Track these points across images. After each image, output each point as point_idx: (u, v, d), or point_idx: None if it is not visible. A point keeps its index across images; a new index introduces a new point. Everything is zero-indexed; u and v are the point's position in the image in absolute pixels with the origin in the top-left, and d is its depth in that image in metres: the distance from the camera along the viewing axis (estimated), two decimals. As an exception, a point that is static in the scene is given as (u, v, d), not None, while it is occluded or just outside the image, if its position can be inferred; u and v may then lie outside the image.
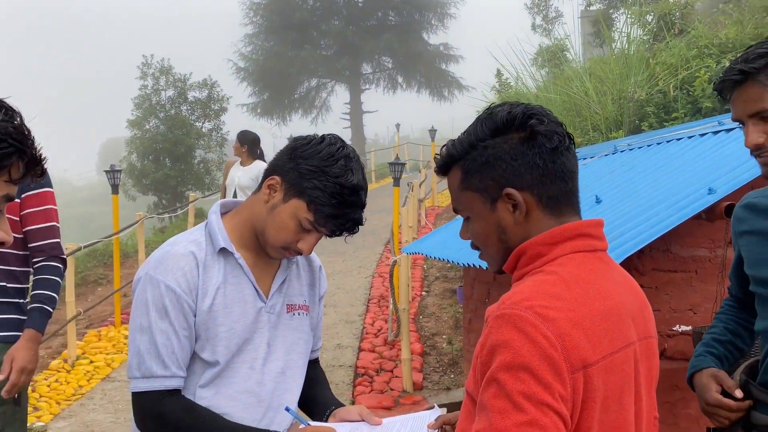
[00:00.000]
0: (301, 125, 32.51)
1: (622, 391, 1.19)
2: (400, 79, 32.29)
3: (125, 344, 7.77)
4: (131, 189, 17.30)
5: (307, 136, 1.71)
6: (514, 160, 1.20)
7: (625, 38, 10.62)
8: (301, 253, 1.70)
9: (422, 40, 31.56)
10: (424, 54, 31.24)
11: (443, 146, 1.32)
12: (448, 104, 31.73)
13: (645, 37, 8.77)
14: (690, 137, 4.00)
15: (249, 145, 6.94)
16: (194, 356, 1.69)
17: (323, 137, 1.68)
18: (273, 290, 1.76)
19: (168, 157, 16.95)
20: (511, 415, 1.05)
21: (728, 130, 3.69)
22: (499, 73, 15.39)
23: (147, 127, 17.26)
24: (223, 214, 1.79)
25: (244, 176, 6.84)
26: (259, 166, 6.73)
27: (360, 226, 1.69)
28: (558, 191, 1.22)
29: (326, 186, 1.58)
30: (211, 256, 1.68)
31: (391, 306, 6.98)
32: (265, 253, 1.73)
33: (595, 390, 1.12)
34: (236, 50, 30.67)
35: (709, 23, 8.00)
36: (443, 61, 31.94)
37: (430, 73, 31.52)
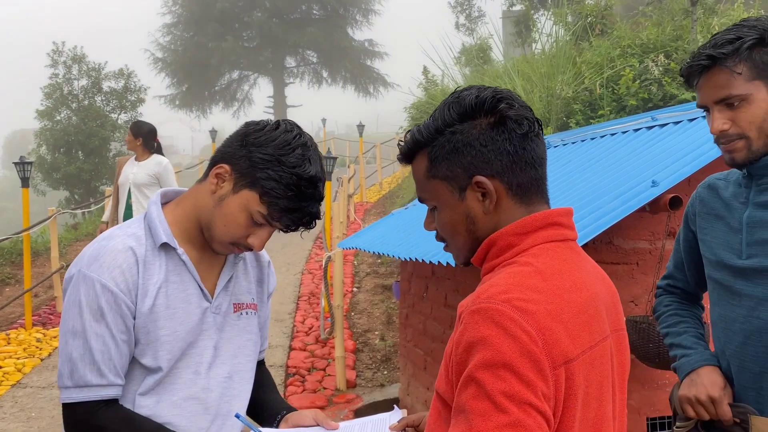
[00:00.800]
0: (221, 118, 31.89)
1: (601, 386, 1.14)
2: (325, 74, 32.16)
3: (37, 348, 7.29)
4: (41, 183, 16.45)
5: (260, 121, 1.58)
6: (483, 147, 1.15)
7: (547, 38, 10.93)
8: (251, 249, 1.58)
9: (347, 36, 31.52)
10: (349, 49, 31.22)
11: (407, 132, 1.26)
12: (373, 100, 31.82)
13: (567, 38, 8.99)
14: (624, 132, 4.07)
15: (144, 137, 6.08)
16: (133, 362, 1.55)
17: (278, 123, 1.56)
18: (219, 289, 1.64)
19: (81, 149, 16.25)
20: (493, 416, 0.99)
21: (662, 125, 3.78)
22: (426, 70, 15.55)
23: (58, 118, 16.45)
24: (163, 204, 1.65)
25: (140, 172, 6.01)
26: (156, 161, 6.04)
27: (317, 221, 1.59)
28: (528, 179, 1.18)
29: (282, 176, 1.47)
30: (151, 251, 1.55)
31: (322, 303, 6.84)
32: (210, 248, 1.60)
33: (576, 386, 1.08)
34: (154, 40, 29.65)
35: (631, 24, 8.27)
36: (368, 57, 32.02)
37: (356, 68, 31.55)
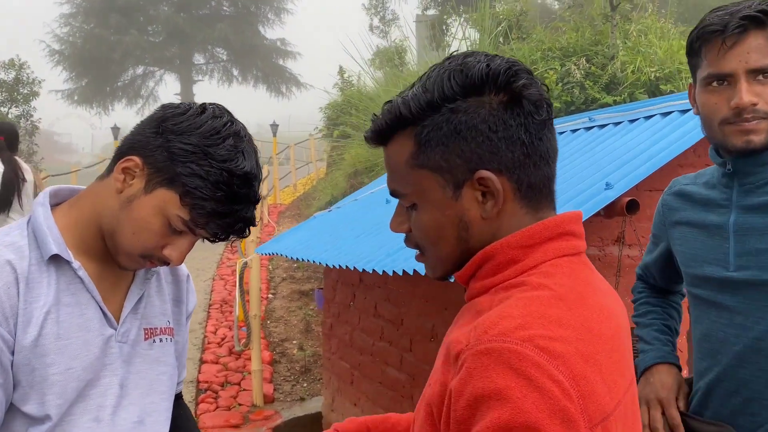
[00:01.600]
0: (125, 115, 30.38)
1: None
2: (235, 72, 31.33)
3: None
4: None
5: (181, 104, 1.26)
6: (492, 132, 0.89)
7: (460, 43, 10.82)
8: (167, 264, 1.27)
9: (258, 34, 30.87)
10: (260, 48, 30.60)
11: (385, 104, 0.96)
12: (286, 101, 31.26)
13: (488, 41, 8.95)
14: (561, 133, 3.93)
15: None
16: (11, 410, 1.21)
17: (204, 106, 1.25)
18: (126, 311, 1.32)
19: None
20: None
21: (602, 126, 3.66)
22: (342, 70, 15.30)
23: None
24: (53, 206, 1.31)
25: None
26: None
27: (252, 228, 1.29)
28: (541, 177, 0.93)
29: (209, 173, 1.18)
30: (37, 266, 1.23)
31: (236, 312, 6.39)
32: (115, 261, 1.28)
33: None
34: (50, 31, 27.88)
35: (550, 29, 8.31)
36: (281, 57, 31.47)
37: (267, 67, 30.94)
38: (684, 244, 1.60)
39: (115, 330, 1.29)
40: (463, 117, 0.89)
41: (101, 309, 1.27)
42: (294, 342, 7.14)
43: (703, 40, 1.43)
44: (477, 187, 0.90)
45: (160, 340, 1.39)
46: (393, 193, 0.98)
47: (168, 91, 31.44)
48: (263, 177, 1.29)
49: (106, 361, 1.28)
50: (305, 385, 6.27)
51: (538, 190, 0.92)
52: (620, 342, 0.91)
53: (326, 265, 3.93)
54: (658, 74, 6.13)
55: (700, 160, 2.92)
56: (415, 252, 1.01)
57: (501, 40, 9.03)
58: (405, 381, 3.77)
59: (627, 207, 2.50)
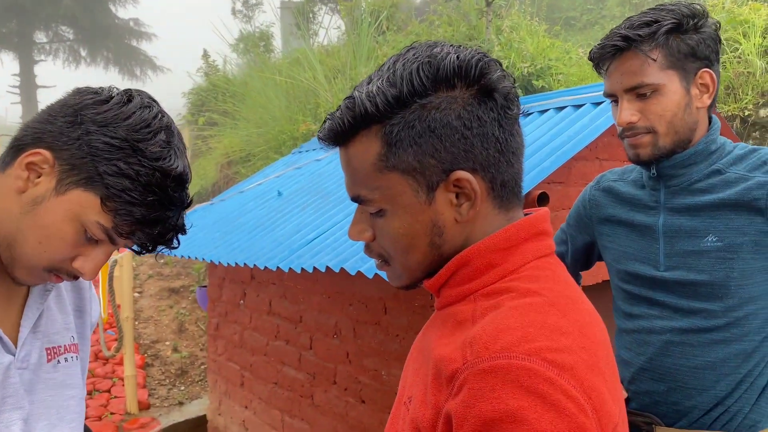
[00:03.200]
0: (-47, 97, 27.28)
1: None
2: (83, 53, 29.05)
3: None
4: None
5: (100, 89, 1.08)
6: (468, 129, 0.83)
7: (326, 32, 10.71)
8: (76, 278, 1.09)
9: (109, 12, 28.81)
10: (111, 27, 28.59)
11: (345, 99, 0.88)
12: (140, 84, 29.50)
13: (359, 32, 8.92)
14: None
15: None
16: None
17: (130, 94, 1.08)
18: (24, 332, 1.13)
19: None
20: None
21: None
22: (206, 54, 14.66)
23: None
24: None
25: None
26: None
27: (182, 236, 1.15)
28: (512, 175, 0.89)
29: (139, 172, 1.02)
30: None
31: (101, 314, 5.88)
32: (10, 275, 1.08)
33: None
34: None
35: (426, 22, 8.42)
36: (134, 38, 29.62)
37: (120, 49, 28.99)
38: (614, 241, 1.64)
39: (14, 356, 1.09)
40: (437, 114, 0.82)
41: None
42: (167, 343, 6.73)
43: (593, 64, 1.56)
44: (451, 188, 0.84)
45: (65, 360, 1.19)
46: (355, 199, 0.89)
47: (5, 71, 28.58)
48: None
49: (6, 393, 1.08)
50: (183, 388, 5.93)
51: (509, 189, 0.88)
52: (610, 345, 0.88)
53: (211, 261, 3.70)
54: (530, 70, 6.40)
55: (595, 153, 3.05)
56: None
57: (374, 31, 9.03)
58: (304, 380, 3.64)
59: (538, 199, 2.54)
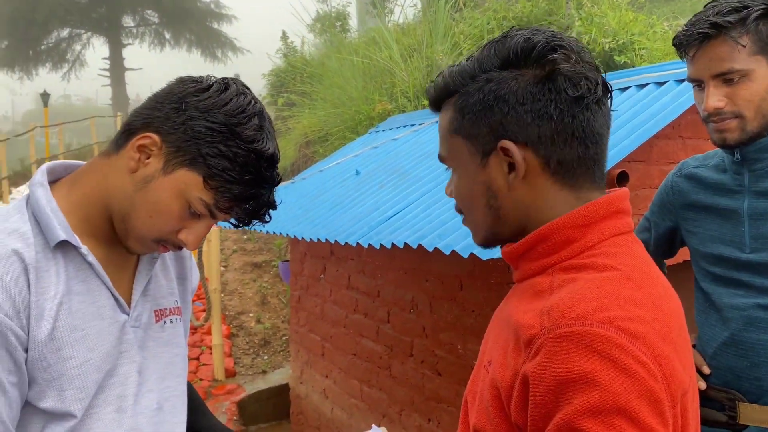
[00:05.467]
0: (50, 80, 28.89)
1: (697, 421, 0.93)
2: (167, 36, 30.10)
3: None
4: None
5: (200, 78, 1.19)
6: (520, 104, 0.91)
7: (402, 11, 10.66)
8: (180, 248, 1.22)
9: (192, -5, 29.64)
10: (194, 10, 29.48)
11: (439, 73, 1.01)
12: (222, 66, 30.33)
13: (435, 9, 8.88)
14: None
15: None
16: (26, 407, 1.13)
17: (227, 82, 1.18)
18: (136, 295, 1.26)
19: None
20: None
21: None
22: (284, 36, 14.92)
23: None
24: (51, 183, 1.22)
25: None
26: None
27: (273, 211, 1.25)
28: (573, 156, 0.92)
29: (237, 154, 1.13)
30: (43, 253, 1.13)
31: (191, 285, 6.23)
32: (124, 245, 1.21)
33: (688, 426, 0.86)
34: (-37, -11, 25.96)
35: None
36: (215, 20, 30.42)
37: (201, 31, 29.85)
38: (700, 226, 1.67)
39: (128, 315, 1.23)
40: (494, 87, 0.91)
41: (113, 295, 1.20)
42: (251, 315, 7.05)
43: (676, 49, 1.55)
44: (502, 157, 0.92)
45: (171, 321, 1.33)
46: (441, 159, 1.02)
47: (96, 55, 29.96)
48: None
49: (122, 348, 1.22)
50: (266, 357, 6.21)
51: (571, 169, 0.91)
52: (683, 318, 0.93)
53: (293, 237, 3.86)
54: (612, 45, 6.23)
55: (677, 131, 3.00)
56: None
57: (452, 8, 8.97)
58: (382, 352, 3.78)
59: (618, 178, 2.54)
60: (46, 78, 28.49)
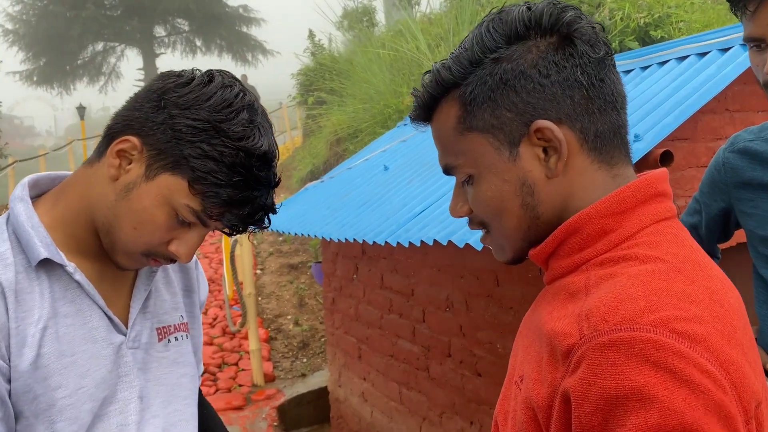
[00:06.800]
0: (87, 94, 29.63)
1: None
2: (198, 43, 30.49)
3: None
4: None
5: (183, 72, 1.08)
6: (545, 77, 0.79)
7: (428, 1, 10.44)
8: (173, 261, 1.11)
9: (219, 2, 29.98)
10: (223, 16, 29.78)
11: (425, 74, 0.88)
12: (252, 69, 30.59)
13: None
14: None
15: None
16: None
17: (211, 74, 1.06)
18: (134, 312, 1.16)
19: None
20: None
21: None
22: (311, 34, 14.90)
23: None
24: (34, 198, 1.14)
25: None
26: None
27: (272, 215, 1.12)
28: (609, 126, 0.82)
29: (223, 153, 1.01)
30: (24, 273, 1.06)
31: (226, 291, 6.18)
32: (112, 261, 1.11)
33: None
34: (1, 10, 26.75)
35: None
36: (244, 24, 30.69)
37: (231, 36, 30.16)
38: (758, 206, 1.49)
39: (125, 336, 1.13)
40: (509, 65, 0.79)
41: (106, 314, 1.10)
42: (288, 317, 6.99)
43: (731, 5, 1.33)
44: (536, 141, 0.80)
45: (176, 339, 1.23)
46: (446, 170, 0.88)
47: (130, 66, 30.55)
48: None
49: (121, 372, 1.12)
50: (305, 360, 6.14)
51: (608, 140, 0.81)
52: (746, 314, 0.79)
53: (324, 238, 3.75)
54: (647, 20, 5.95)
55: (724, 104, 2.77)
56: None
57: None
58: (419, 353, 3.64)
59: (661, 159, 2.34)
60: (84, 92, 29.20)
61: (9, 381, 1.00)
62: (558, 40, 0.80)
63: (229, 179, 1.00)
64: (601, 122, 0.80)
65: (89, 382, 1.06)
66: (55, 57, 27.48)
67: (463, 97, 0.82)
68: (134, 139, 1.02)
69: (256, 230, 1.11)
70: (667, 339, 0.66)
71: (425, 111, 0.87)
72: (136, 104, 1.05)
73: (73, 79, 28.93)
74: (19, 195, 1.09)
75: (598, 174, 0.80)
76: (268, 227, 1.12)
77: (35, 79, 28.02)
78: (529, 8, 0.80)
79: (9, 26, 26.83)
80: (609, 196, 0.79)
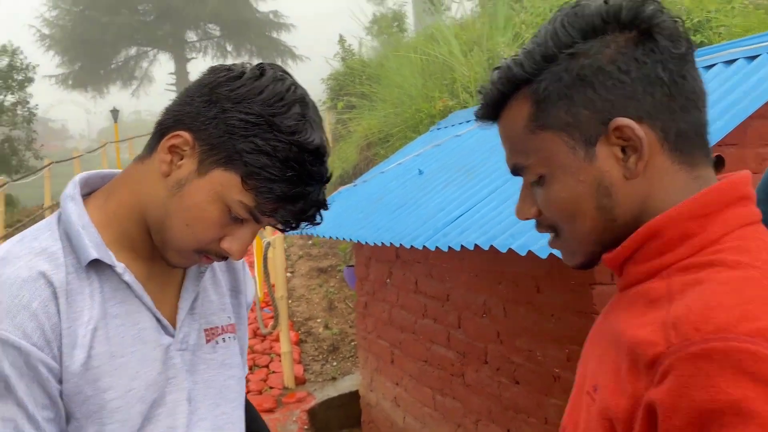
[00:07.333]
0: (120, 97, 30.13)
1: None
2: (229, 48, 30.88)
3: None
4: None
5: (234, 66, 1.05)
6: (623, 73, 0.77)
7: (458, 6, 10.44)
8: (225, 258, 1.08)
9: (250, 7, 30.37)
10: (253, 22, 30.14)
11: (493, 70, 0.84)
12: (281, 74, 30.87)
13: (491, 1, 8.63)
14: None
15: None
16: None
17: (262, 68, 1.03)
18: (182, 314, 1.14)
19: None
20: None
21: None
22: (342, 39, 14.96)
23: None
24: (85, 196, 1.11)
25: None
26: None
27: (324, 211, 1.09)
28: (691, 124, 0.79)
29: (276, 148, 0.98)
30: (75, 274, 1.03)
31: (258, 294, 6.21)
32: (163, 258, 1.09)
33: None
34: (39, 15, 27.38)
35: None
36: (274, 29, 31.00)
37: (262, 41, 30.49)
38: None
39: (173, 337, 1.11)
40: (586, 60, 0.76)
41: (155, 316, 1.09)
42: (318, 320, 6.99)
43: None
44: (614, 140, 0.77)
45: (224, 340, 1.20)
46: (514, 170, 0.85)
47: (162, 70, 31.02)
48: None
49: (169, 374, 1.10)
50: (335, 364, 6.13)
51: (689, 140, 0.78)
52: None
53: (357, 241, 3.74)
54: (686, 25, 5.85)
55: (774, 110, 2.70)
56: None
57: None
58: (454, 359, 3.60)
59: (714, 165, 2.28)
60: (117, 95, 29.71)
61: (60, 382, 1.00)
62: (637, 35, 0.77)
63: (282, 174, 0.97)
64: (683, 121, 0.77)
65: (139, 384, 1.05)
66: (90, 61, 28.03)
67: (535, 93, 0.79)
68: (186, 134, 1.00)
69: (308, 226, 1.10)
70: (766, 350, 0.63)
71: (493, 108, 0.84)
72: (186, 99, 1.03)
73: (107, 83, 29.51)
74: (70, 193, 1.07)
75: (679, 175, 0.77)
76: (320, 223, 1.10)
77: (70, 82, 28.63)
78: (606, 2, 0.78)
79: (46, 31, 27.42)
80: (692, 198, 0.76)
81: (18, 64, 15.59)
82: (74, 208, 1.05)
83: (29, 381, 0.98)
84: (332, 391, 5.51)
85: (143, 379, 1.05)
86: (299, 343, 6.48)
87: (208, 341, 1.17)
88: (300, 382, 5.71)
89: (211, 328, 1.18)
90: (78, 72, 28.49)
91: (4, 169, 14.74)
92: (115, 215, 1.07)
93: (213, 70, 1.04)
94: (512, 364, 3.11)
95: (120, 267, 1.04)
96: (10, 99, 15.64)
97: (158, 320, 1.09)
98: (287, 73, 1.04)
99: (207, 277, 1.21)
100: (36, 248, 1.02)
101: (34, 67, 16.08)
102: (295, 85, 1.02)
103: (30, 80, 15.88)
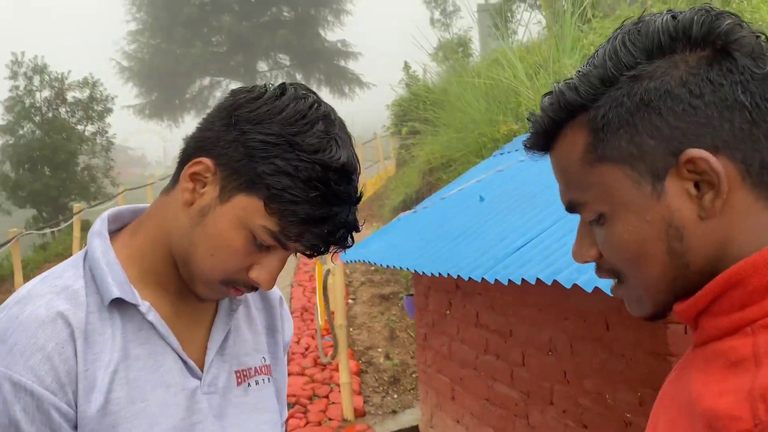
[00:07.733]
0: (194, 126, 31.21)
1: None
2: (299, 77, 31.70)
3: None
4: (5, 202, 15.77)
5: (255, 87, 1.01)
6: (697, 97, 0.66)
7: (526, 29, 10.31)
8: (254, 289, 1.03)
9: (319, 37, 31.15)
10: (322, 51, 30.87)
11: (544, 95, 0.74)
12: (348, 101, 31.35)
13: (561, 23, 8.42)
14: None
15: None
16: None
17: (284, 87, 0.99)
18: (211, 355, 1.09)
19: (47, 164, 15.59)
20: None
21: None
22: (406, 66, 15.03)
23: (21, 132, 15.79)
24: (114, 232, 1.08)
25: None
26: None
27: (356, 233, 1.02)
28: None
29: (299, 168, 0.94)
30: (97, 313, 1.00)
31: (319, 322, 6.14)
32: (192, 292, 1.04)
33: None
34: (119, 48, 28.90)
35: (636, 4, 7.73)
36: (342, 58, 31.64)
37: (330, 70, 31.17)
38: None
39: (200, 380, 1.04)
40: (651, 84, 0.66)
41: (180, 358, 1.03)
42: (379, 350, 6.86)
43: None
44: (686, 174, 0.66)
45: (257, 383, 1.13)
46: (569, 207, 0.76)
47: (234, 100, 32.21)
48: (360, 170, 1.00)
49: (194, 419, 1.03)
50: (395, 396, 5.97)
51: None
52: None
53: (421, 273, 3.60)
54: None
55: None
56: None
57: (579, 20, 8.47)
58: (518, 398, 3.40)
59: None
60: (191, 124, 30.82)
61: (75, 427, 0.94)
62: (712, 53, 0.67)
63: (305, 195, 0.92)
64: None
65: (162, 430, 0.98)
66: (165, 92, 29.32)
67: (593, 121, 0.69)
68: (207, 161, 0.95)
69: (339, 250, 1.01)
70: None
71: (544, 138, 0.75)
72: (207, 124, 0.99)
73: (182, 113, 30.73)
74: (98, 230, 1.04)
75: (764, 214, 0.67)
76: (350, 246, 1.01)
77: (147, 112, 29.99)
78: (674, 17, 0.68)
79: (125, 63, 28.87)
80: None
81: (98, 96, 16.39)
82: (99, 245, 1.01)
83: (40, 426, 0.93)
84: (392, 425, 5.35)
85: (165, 425, 0.99)
86: (360, 373, 6.36)
87: (239, 383, 1.10)
88: (360, 414, 5.58)
89: (243, 370, 1.11)
90: (154, 102, 29.83)
91: (83, 196, 15.45)
92: (141, 250, 1.03)
93: (234, 93, 1.00)
94: (579, 406, 2.89)
95: (144, 306, 0.99)
96: (90, 129, 16.44)
97: (184, 362, 1.03)
98: (311, 91, 0.99)
99: (240, 315, 1.14)
100: (58, 287, 0.98)
101: (113, 98, 16.87)
102: (318, 102, 0.97)
103: (109, 111, 16.66)
